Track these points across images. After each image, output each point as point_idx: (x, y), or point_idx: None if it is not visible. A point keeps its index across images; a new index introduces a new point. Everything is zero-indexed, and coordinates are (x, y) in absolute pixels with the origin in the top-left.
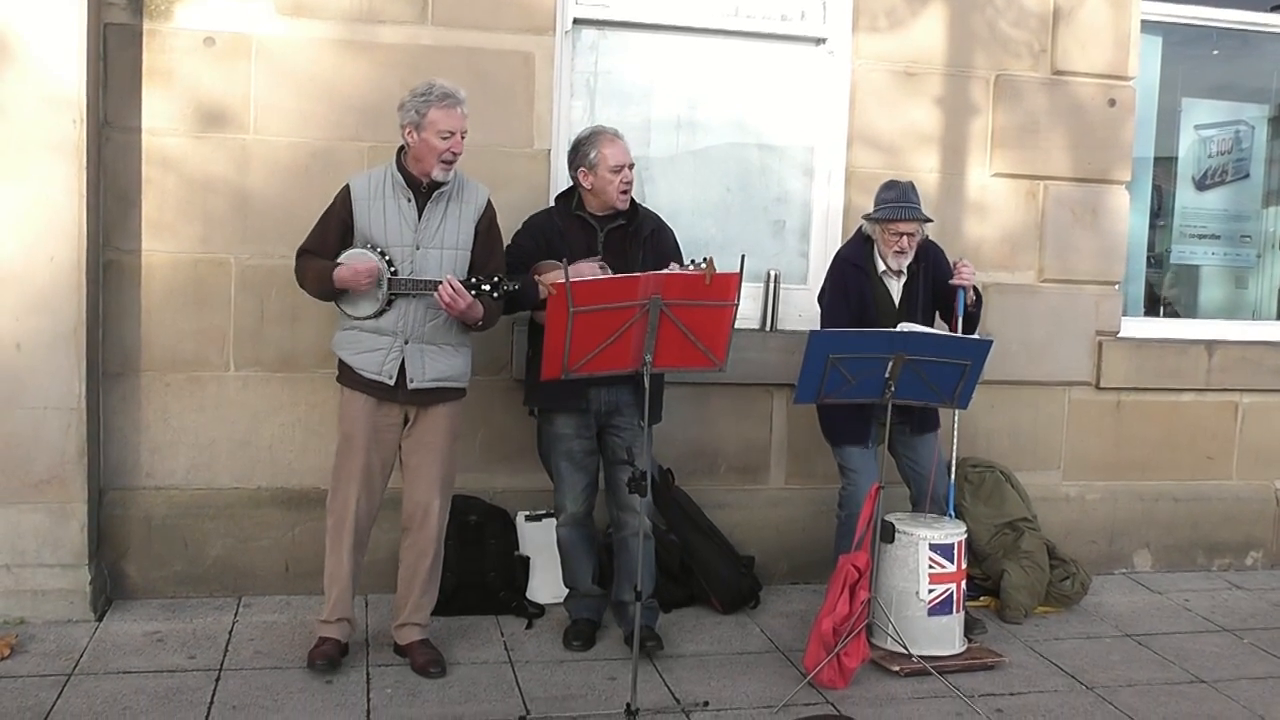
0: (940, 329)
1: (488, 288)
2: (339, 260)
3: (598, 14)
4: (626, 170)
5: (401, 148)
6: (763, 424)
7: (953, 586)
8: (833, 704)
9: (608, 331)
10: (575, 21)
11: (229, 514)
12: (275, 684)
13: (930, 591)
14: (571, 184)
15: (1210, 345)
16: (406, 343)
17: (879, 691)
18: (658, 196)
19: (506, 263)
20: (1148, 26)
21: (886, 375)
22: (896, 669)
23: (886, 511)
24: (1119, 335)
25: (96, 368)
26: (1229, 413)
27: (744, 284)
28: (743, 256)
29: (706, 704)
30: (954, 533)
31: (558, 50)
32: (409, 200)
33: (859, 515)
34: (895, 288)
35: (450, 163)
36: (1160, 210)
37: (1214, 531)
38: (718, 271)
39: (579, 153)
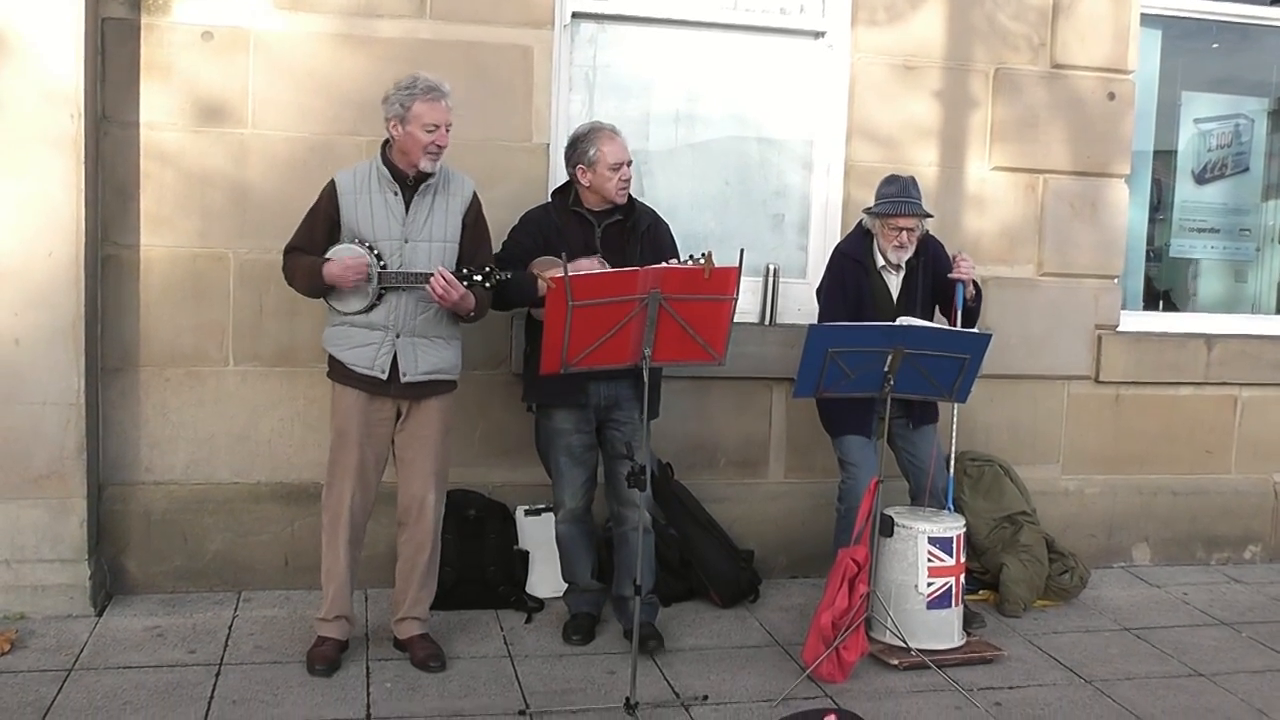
0: (940, 323)
1: (479, 278)
2: (328, 256)
3: (596, 7)
4: (625, 168)
5: (386, 141)
6: (762, 418)
7: (951, 580)
8: (831, 697)
9: (607, 326)
10: (574, 15)
11: (228, 509)
12: (275, 678)
13: (929, 585)
14: (568, 179)
15: (1209, 339)
16: (398, 336)
17: (878, 685)
18: (656, 190)
19: (504, 258)
20: (1147, 20)
21: (885, 369)
22: (895, 663)
23: (885, 505)
24: (1118, 329)
25: (95, 363)
26: (1228, 407)
27: (743, 278)
28: (741, 250)
29: (706, 698)
30: (953, 526)
31: (556, 44)
32: (395, 194)
33: (858, 509)
34: (894, 282)
35: (436, 155)
36: (1159, 204)
37: (1213, 525)
38: (716, 265)
39: (577, 149)
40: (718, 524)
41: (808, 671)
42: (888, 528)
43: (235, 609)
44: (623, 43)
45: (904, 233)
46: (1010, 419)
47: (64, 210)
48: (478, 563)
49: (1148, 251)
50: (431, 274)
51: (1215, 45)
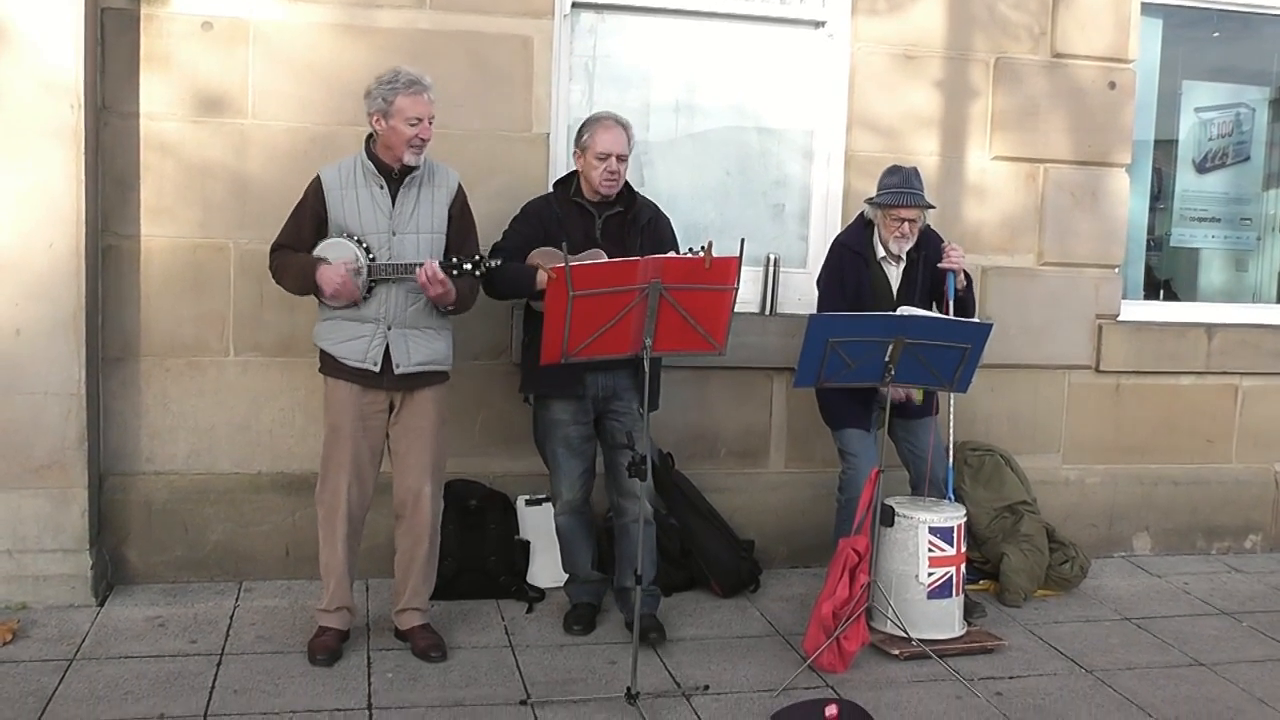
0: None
1: (469, 266)
2: (316, 253)
3: None
4: (613, 160)
5: (370, 135)
6: (762, 408)
7: (952, 570)
8: (832, 687)
9: (607, 315)
10: (574, 5)
11: (229, 499)
12: (276, 668)
13: (930, 575)
14: (571, 170)
15: (1210, 328)
16: (389, 328)
17: (878, 675)
18: (657, 181)
19: (504, 248)
20: (1148, 9)
21: (886, 359)
22: (896, 652)
23: (886, 495)
24: (1119, 318)
25: (96, 353)
26: (1229, 396)
27: (743, 268)
28: (742, 240)
29: (706, 688)
30: (953, 516)
31: (556, 34)
32: (381, 187)
33: (859, 499)
34: (894, 274)
35: (420, 148)
36: (1160, 193)
37: (1213, 515)
38: (717, 255)
39: (579, 134)
40: (718, 514)
41: (809, 661)
42: (888, 517)
43: (236, 599)
44: (623, 32)
45: (906, 224)
46: (1011, 409)
47: (64, 201)
48: (479, 553)
49: (1148, 241)
50: (421, 264)
51: (1216, 34)
